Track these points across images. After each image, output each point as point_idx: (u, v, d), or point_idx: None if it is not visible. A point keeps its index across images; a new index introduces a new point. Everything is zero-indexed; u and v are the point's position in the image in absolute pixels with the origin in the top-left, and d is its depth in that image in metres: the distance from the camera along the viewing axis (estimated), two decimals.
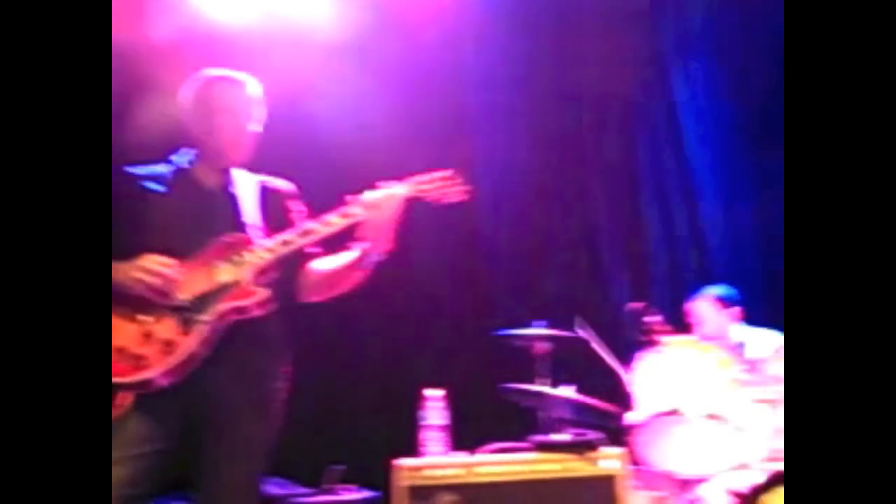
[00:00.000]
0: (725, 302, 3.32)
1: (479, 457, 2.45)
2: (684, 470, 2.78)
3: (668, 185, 4.04)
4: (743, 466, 2.64)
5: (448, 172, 2.01)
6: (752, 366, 2.83)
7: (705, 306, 3.32)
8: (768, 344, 3.12)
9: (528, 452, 2.45)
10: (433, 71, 3.82)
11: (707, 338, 3.24)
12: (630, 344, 2.96)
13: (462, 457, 2.45)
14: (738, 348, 3.22)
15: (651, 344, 2.83)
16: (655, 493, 2.86)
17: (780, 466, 2.46)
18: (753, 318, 3.35)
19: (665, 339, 2.80)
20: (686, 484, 2.81)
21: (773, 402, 2.63)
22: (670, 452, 2.78)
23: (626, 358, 2.98)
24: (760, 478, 2.41)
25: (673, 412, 2.64)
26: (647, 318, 2.83)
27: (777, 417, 2.62)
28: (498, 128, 4.01)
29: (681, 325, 3.34)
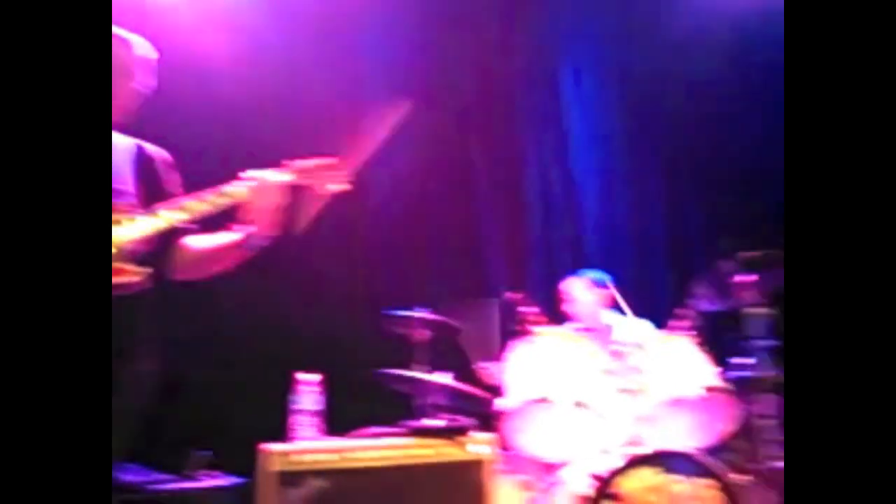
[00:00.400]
0: (598, 284, 3.49)
1: (351, 442, 2.43)
2: (549, 455, 2.90)
3: (551, 179, 4.18)
4: (604, 451, 2.77)
5: (331, 160, 1.96)
6: (618, 356, 2.98)
7: (578, 286, 3.49)
8: (635, 331, 3.31)
9: (402, 437, 2.45)
10: (325, 60, 3.77)
11: (577, 316, 3.41)
12: (505, 332, 3.03)
13: (334, 442, 2.42)
14: (606, 331, 3.39)
15: (525, 333, 2.91)
16: (521, 477, 2.96)
17: (638, 451, 2.62)
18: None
19: (538, 329, 2.89)
20: (550, 468, 2.93)
21: (634, 391, 2.79)
22: (537, 438, 2.88)
23: (501, 346, 3.06)
24: (618, 462, 2.55)
25: (542, 399, 2.73)
26: (522, 308, 2.90)
27: (637, 406, 2.78)
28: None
29: (554, 316, 3.48)
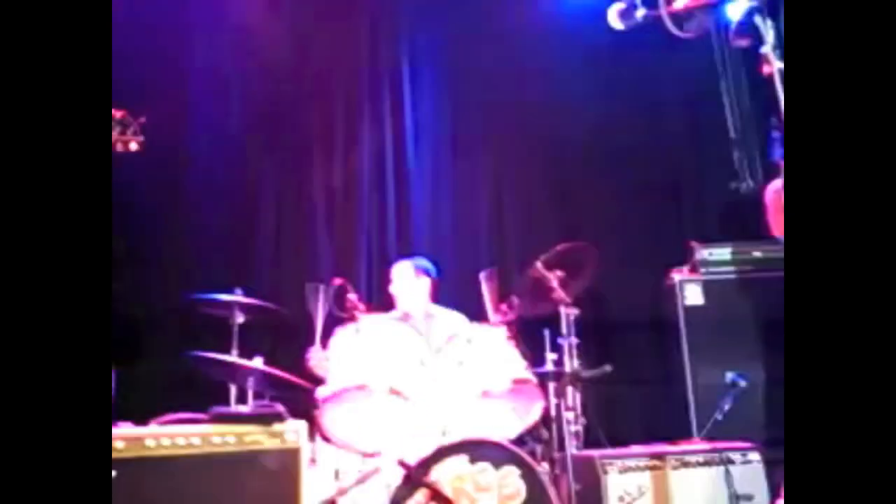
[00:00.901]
0: (422, 271, 3.54)
1: (148, 429, 2.28)
2: (364, 444, 2.90)
3: (383, 168, 4.20)
4: (416, 440, 2.82)
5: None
6: (434, 346, 3.05)
7: (406, 270, 3.52)
8: (453, 322, 3.41)
9: (206, 424, 2.34)
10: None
11: (400, 301, 3.45)
12: (330, 318, 3.00)
13: (130, 429, 2.26)
14: (426, 320, 3.45)
15: (348, 320, 2.89)
16: (337, 467, 2.94)
17: (448, 440, 2.69)
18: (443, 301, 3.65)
19: (361, 316, 2.88)
20: (364, 457, 2.94)
21: (447, 381, 2.86)
22: (353, 426, 2.88)
23: (324, 332, 3.02)
24: (429, 451, 2.61)
25: (359, 387, 2.73)
26: (347, 295, 2.88)
27: (450, 395, 2.86)
28: (213, 94, 3.88)
29: (379, 303, 3.50)
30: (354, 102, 4.28)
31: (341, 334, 2.92)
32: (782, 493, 2.28)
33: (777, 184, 2.42)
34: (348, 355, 2.82)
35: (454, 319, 3.44)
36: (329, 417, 2.80)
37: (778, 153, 2.34)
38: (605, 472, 2.75)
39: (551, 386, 3.12)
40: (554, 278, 3.16)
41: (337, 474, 2.84)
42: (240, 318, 2.97)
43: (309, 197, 4.08)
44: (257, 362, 2.74)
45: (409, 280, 3.51)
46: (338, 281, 2.90)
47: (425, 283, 3.54)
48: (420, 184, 4.30)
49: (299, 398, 2.78)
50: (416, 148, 4.34)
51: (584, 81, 4.30)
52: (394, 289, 3.50)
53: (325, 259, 3.99)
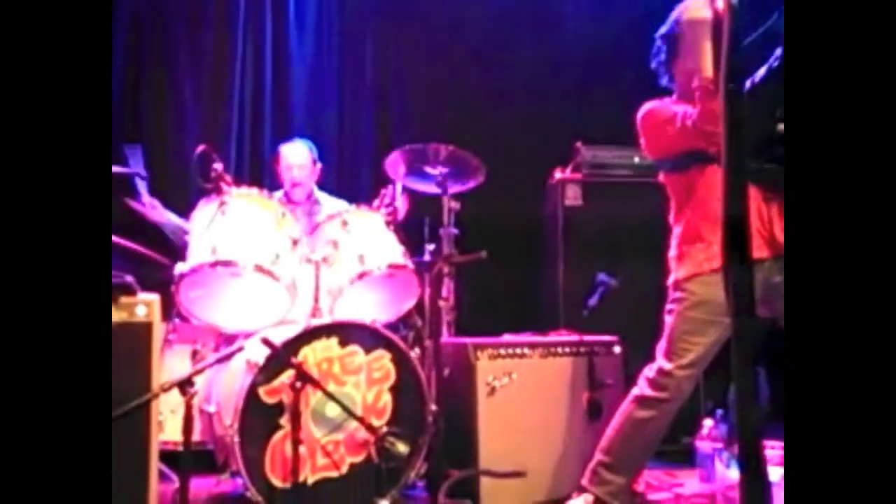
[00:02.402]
0: (315, 155, 3.50)
1: None
2: (229, 324, 2.74)
3: (263, 49, 3.91)
4: (285, 320, 2.70)
5: None
6: (310, 226, 2.89)
7: (302, 150, 3.45)
8: (332, 205, 3.31)
9: None
10: None
11: (289, 178, 3.35)
12: (193, 189, 2.75)
13: None
14: (315, 203, 3.33)
15: (214, 192, 2.66)
16: (194, 347, 2.77)
17: (318, 321, 2.59)
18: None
19: (228, 189, 2.66)
20: (229, 339, 2.78)
21: (320, 262, 2.73)
22: (217, 305, 2.70)
23: (188, 204, 2.78)
24: (297, 331, 2.49)
25: (223, 263, 2.54)
26: (213, 165, 2.63)
27: (324, 277, 2.73)
28: None
29: (251, 178, 3.30)
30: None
31: (204, 207, 2.69)
32: (637, 382, 2.39)
33: (649, 105, 2.40)
34: (212, 229, 2.60)
35: (337, 205, 3.31)
36: (187, 295, 2.61)
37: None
38: (476, 359, 2.76)
39: (427, 276, 3.07)
40: (438, 170, 3.08)
41: (194, 354, 2.68)
42: None
43: (177, 67, 3.71)
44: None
45: (304, 161, 3.42)
46: (201, 148, 2.63)
47: (317, 169, 3.48)
48: (301, 64, 4.02)
49: (155, 273, 2.55)
50: (298, 29, 4.03)
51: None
52: (284, 169, 3.37)
53: (191, 128, 3.68)
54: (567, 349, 2.90)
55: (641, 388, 2.38)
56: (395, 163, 3.12)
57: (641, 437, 2.36)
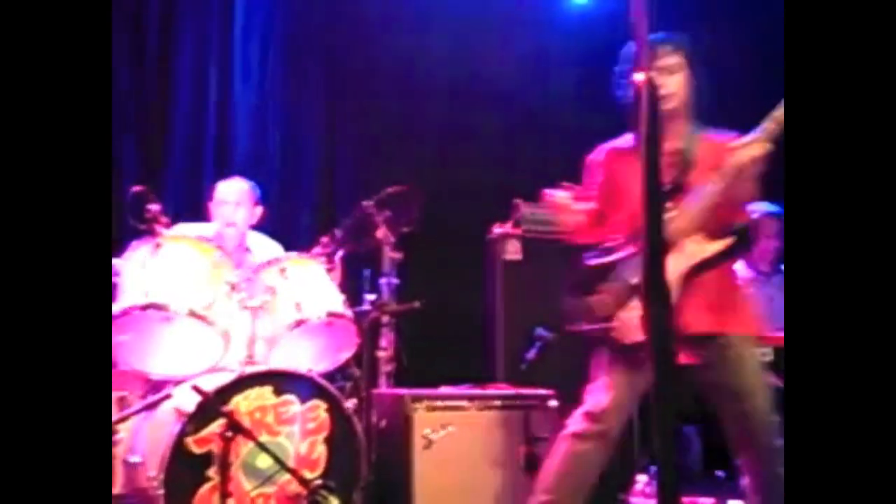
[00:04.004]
0: (259, 198, 3.30)
1: None
2: (158, 370, 2.64)
3: (207, 82, 3.87)
4: (217, 367, 2.62)
5: None
6: (248, 272, 2.84)
7: (243, 190, 3.24)
8: (269, 250, 3.21)
9: None
10: None
11: (222, 218, 3.19)
12: (126, 229, 2.67)
13: None
14: (241, 245, 3.21)
15: (148, 233, 2.59)
16: (120, 393, 2.65)
17: (252, 369, 2.52)
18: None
19: (163, 230, 2.59)
20: (157, 385, 2.67)
21: (258, 308, 2.67)
22: (145, 350, 2.60)
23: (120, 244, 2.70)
24: (230, 379, 2.42)
25: (153, 306, 2.46)
26: (148, 206, 2.57)
27: (260, 324, 2.67)
28: None
29: (186, 217, 3.22)
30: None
31: (138, 248, 2.61)
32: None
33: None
34: (144, 271, 2.52)
35: (272, 249, 3.25)
36: (115, 338, 2.50)
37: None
38: (413, 410, 2.73)
39: (367, 325, 3.04)
40: (381, 218, 3.10)
41: (120, 401, 2.56)
42: None
43: (115, 102, 3.64)
44: None
45: (240, 199, 3.21)
46: (137, 188, 2.57)
47: (258, 212, 3.29)
48: (245, 107, 4.01)
49: None
50: (244, 70, 4.04)
51: (433, 18, 4.23)
52: (218, 206, 3.19)
53: (128, 167, 3.59)
54: (504, 402, 2.90)
55: (577, 422, 2.35)
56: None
57: (582, 472, 2.31)
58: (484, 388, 3.02)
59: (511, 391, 2.98)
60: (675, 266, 2.14)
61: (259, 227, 3.42)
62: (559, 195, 2.47)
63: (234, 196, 3.20)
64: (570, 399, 2.98)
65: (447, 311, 3.79)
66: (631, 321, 2.19)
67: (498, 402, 2.89)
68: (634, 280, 2.21)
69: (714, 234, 2.22)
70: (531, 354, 3.49)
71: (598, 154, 2.46)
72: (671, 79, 2.23)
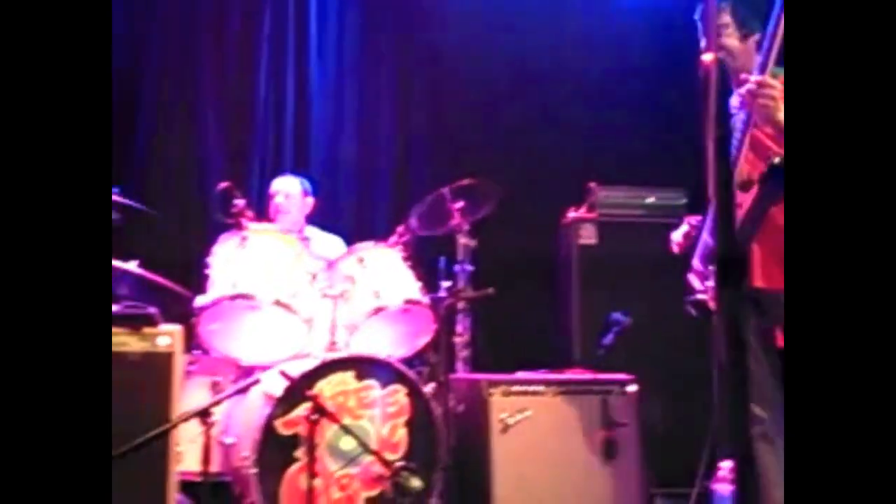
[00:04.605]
0: (310, 191, 3.47)
1: None
2: (247, 356, 2.78)
3: (284, 84, 4.00)
4: (302, 354, 2.73)
5: None
6: (326, 263, 2.94)
7: (293, 185, 3.42)
8: (331, 246, 3.33)
9: None
10: None
11: (282, 213, 3.34)
12: (214, 224, 2.82)
13: None
14: (305, 241, 3.35)
15: (234, 227, 2.72)
16: (213, 378, 2.81)
17: (334, 355, 2.62)
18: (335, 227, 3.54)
19: (248, 224, 2.72)
20: (247, 371, 2.82)
21: (337, 297, 2.77)
22: (235, 338, 2.75)
23: (212, 238, 2.85)
24: (314, 364, 2.53)
25: (242, 296, 2.60)
26: (234, 200, 2.70)
27: (340, 312, 2.77)
28: None
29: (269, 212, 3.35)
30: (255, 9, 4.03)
31: (225, 241, 2.75)
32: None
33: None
34: (232, 263, 2.66)
35: (330, 241, 3.37)
36: (207, 327, 2.65)
37: None
38: (490, 395, 2.77)
39: (442, 311, 3.10)
40: (455, 206, 3.15)
41: (214, 386, 2.72)
42: (114, 217, 2.73)
43: (199, 100, 3.82)
44: (132, 265, 2.55)
45: (291, 191, 3.40)
46: (223, 185, 2.71)
47: (309, 202, 3.45)
48: (321, 99, 4.12)
49: (176, 306, 2.61)
50: (319, 64, 4.14)
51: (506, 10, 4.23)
52: (277, 203, 3.37)
53: (214, 165, 3.77)
54: (581, 387, 2.91)
55: None
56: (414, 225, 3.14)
57: None
58: (560, 373, 3.03)
59: (588, 376, 2.97)
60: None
61: (328, 218, 3.53)
62: None
63: (282, 186, 3.40)
64: (647, 384, 2.96)
65: (523, 296, 3.80)
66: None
67: (575, 387, 2.89)
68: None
69: None
70: (608, 339, 3.47)
71: None
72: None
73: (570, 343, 3.70)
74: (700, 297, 2.23)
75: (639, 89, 4.30)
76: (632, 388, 2.96)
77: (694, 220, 2.32)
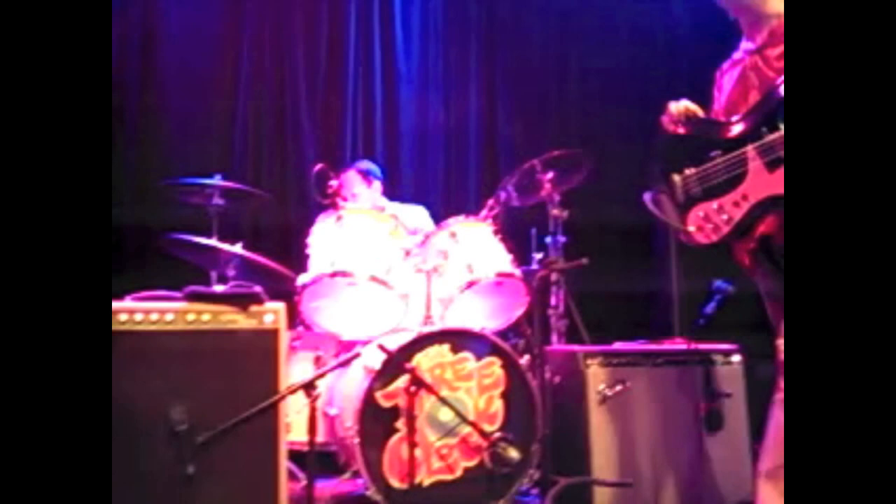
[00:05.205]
0: (368, 174, 3.55)
1: (123, 304, 2.23)
2: (347, 331, 2.88)
3: (372, 64, 4.06)
4: (398, 328, 2.81)
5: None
6: (419, 239, 2.99)
7: (352, 177, 3.53)
8: (415, 216, 3.39)
9: (182, 302, 2.29)
10: None
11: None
12: (313, 205, 2.93)
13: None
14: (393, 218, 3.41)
15: (330, 207, 2.81)
16: (316, 353, 2.93)
17: (430, 329, 2.67)
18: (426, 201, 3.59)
19: (343, 203, 2.81)
20: (347, 345, 2.93)
21: (431, 272, 2.82)
22: (335, 314, 2.85)
23: (310, 218, 2.96)
24: (410, 338, 2.59)
25: (340, 273, 2.68)
26: (330, 182, 2.79)
27: (434, 286, 2.82)
28: None
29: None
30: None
31: (322, 221, 2.85)
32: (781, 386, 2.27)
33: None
34: (329, 242, 2.76)
35: (418, 212, 3.41)
36: (309, 304, 2.77)
37: None
38: (587, 367, 2.75)
39: (535, 283, 3.09)
40: (545, 177, 3.11)
41: (317, 360, 2.83)
42: (219, 203, 2.88)
43: (292, 85, 3.94)
44: (237, 247, 2.68)
45: (359, 187, 3.49)
46: (319, 166, 2.80)
47: (377, 187, 3.52)
48: (408, 78, 4.16)
49: (280, 285, 2.73)
50: (405, 43, 4.18)
51: None
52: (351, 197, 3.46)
53: (308, 147, 3.89)
54: (682, 357, 2.83)
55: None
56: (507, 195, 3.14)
57: None
58: (660, 344, 2.96)
59: (689, 346, 2.89)
60: None
61: (419, 192, 3.57)
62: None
63: (348, 186, 3.48)
64: (752, 354, 2.85)
65: (620, 266, 3.73)
66: None
67: (675, 358, 2.83)
68: None
69: None
70: (710, 308, 3.35)
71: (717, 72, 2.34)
72: None
73: (669, 313, 3.61)
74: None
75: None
76: (736, 357, 2.86)
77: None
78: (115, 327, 2.12)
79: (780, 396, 2.11)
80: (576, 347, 2.87)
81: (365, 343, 2.78)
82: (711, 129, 2.15)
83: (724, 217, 2.04)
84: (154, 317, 2.17)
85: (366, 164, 3.59)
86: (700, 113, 2.22)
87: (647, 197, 2.30)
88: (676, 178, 2.18)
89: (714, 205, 2.07)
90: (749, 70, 2.13)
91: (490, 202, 3.03)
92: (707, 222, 2.08)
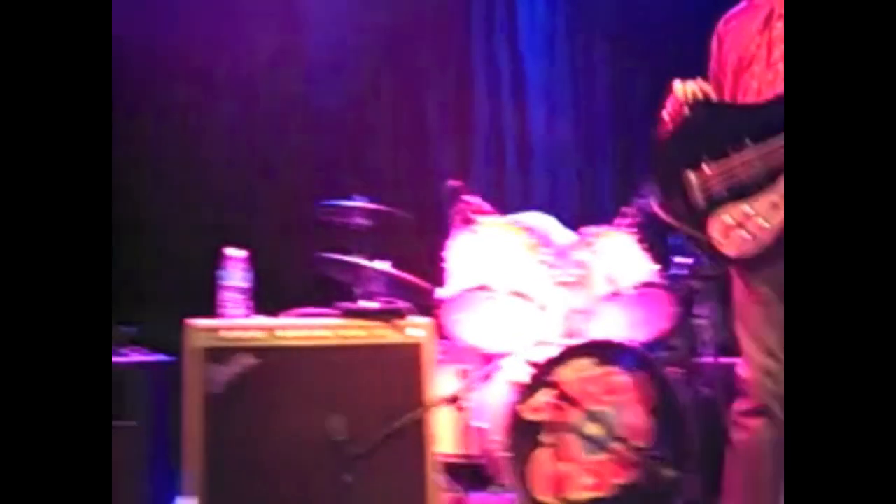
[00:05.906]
0: None
1: (280, 320, 2.36)
2: (487, 344, 2.89)
3: (499, 73, 4.08)
4: (541, 342, 2.78)
5: None
6: (557, 251, 2.95)
7: None
8: (567, 233, 3.30)
9: (334, 318, 2.39)
10: None
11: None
12: (447, 220, 2.96)
13: (263, 319, 2.34)
14: (544, 233, 3.37)
15: (467, 222, 2.84)
16: (460, 366, 2.96)
17: (575, 342, 2.63)
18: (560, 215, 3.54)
19: (480, 218, 2.83)
20: (490, 358, 2.93)
21: (571, 284, 2.77)
22: (477, 327, 2.87)
23: (443, 234, 3.00)
24: (556, 352, 2.55)
25: (481, 288, 2.70)
26: (465, 197, 2.83)
27: (576, 298, 2.77)
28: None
29: (496, 205, 3.44)
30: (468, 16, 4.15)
31: (460, 236, 2.88)
32: None
33: None
34: (468, 257, 2.79)
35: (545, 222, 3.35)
36: (450, 318, 2.80)
37: None
38: None
39: (681, 292, 2.96)
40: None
41: (463, 373, 2.86)
42: (360, 223, 2.98)
43: (424, 106, 4.02)
44: (385, 265, 2.77)
45: None
46: (453, 183, 2.84)
47: None
48: (536, 93, 4.14)
49: (421, 301, 2.78)
50: (531, 57, 4.17)
51: None
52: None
53: (443, 165, 3.95)
54: None
55: None
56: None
57: None
58: None
59: None
60: None
61: (554, 202, 3.51)
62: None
63: None
64: None
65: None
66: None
67: None
68: None
69: None
70: None
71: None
72: None
73: None
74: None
75: None
76: None
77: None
78: (276, 343, 2.25)
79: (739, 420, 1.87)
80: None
81: (507, 356, 2.77)
82: (735, 115, 1.80)
83: (761, 223, 1.66)
84: (313, 333, 2.29)
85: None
86: (713, 96, 1.88)
87: (654, 203, 2.01)
88: (692, 176, 1.83)
89: (746, 207, 1.71)
90: (777, 20, 1.76)
91: (629, 210, 2.94)
92: (738, 230, 1.72)
